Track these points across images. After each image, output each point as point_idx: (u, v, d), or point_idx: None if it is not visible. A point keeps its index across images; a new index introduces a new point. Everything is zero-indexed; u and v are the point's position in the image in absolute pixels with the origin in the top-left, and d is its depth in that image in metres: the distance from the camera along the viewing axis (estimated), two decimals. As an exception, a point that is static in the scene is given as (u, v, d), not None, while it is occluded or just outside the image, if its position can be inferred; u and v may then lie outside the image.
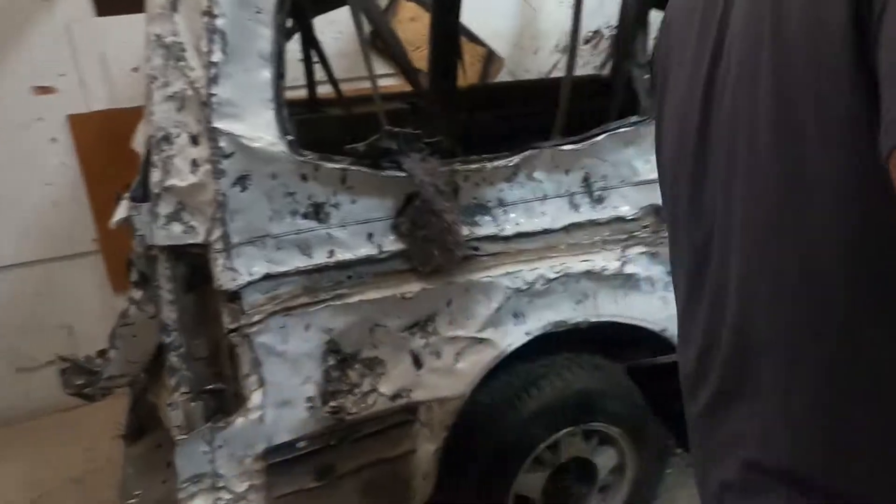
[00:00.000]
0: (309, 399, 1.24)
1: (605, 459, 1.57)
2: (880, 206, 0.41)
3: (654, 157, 1.55)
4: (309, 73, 2.42)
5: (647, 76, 1.46)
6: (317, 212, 1.22)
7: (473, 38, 3.24)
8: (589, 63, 3.54)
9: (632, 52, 1.47)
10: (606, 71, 3.47)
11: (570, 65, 1.47)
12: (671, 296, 1.51)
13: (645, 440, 1.57)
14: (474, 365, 1.33)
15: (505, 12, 3.36)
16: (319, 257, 1.23)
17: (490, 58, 3.31)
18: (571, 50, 1.46)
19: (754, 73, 0.49)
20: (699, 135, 0.59)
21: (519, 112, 2.84)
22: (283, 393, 1.21)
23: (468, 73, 3.08)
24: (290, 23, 2.33)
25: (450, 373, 1.32)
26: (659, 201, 1.49)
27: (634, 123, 1.44)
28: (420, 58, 2.99)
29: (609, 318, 1.44)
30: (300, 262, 1.21)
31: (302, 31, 2.34)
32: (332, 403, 1.26)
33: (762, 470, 0.55)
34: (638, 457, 1.58)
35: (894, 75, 0.37)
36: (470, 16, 3.05)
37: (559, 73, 3.36)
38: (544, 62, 3.36)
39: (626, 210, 1.45)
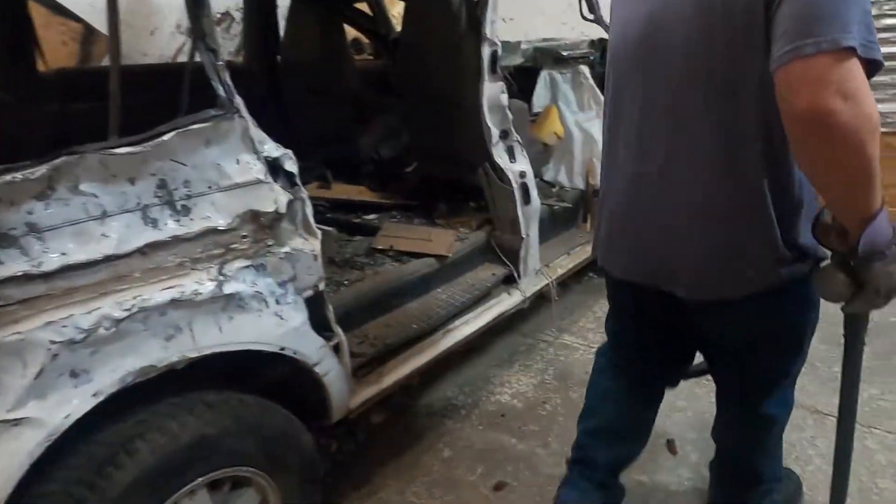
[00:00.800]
0: None
1: (244, 503, 1.36)
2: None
3: (245, 156, 1.36)
4: None
5: (220, 62, 1.25)
6: None
7: (62, 12, 2.61)
8: (223, 48, 3.23)
9: (201, 33, 1.24)
10: (240, 57, 3.21)
11: (114, 53, 1.17)
12: (288, 310, 1.37)
13: (285, 467, 1.42)
14: (10, 457, 0.96)
15: (104, -18, 2.80)
16: None
17: (90, 36, 2.72)
18: (113, 35, 1.17)
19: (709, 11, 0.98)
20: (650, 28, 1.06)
21: (136, 101, 2.39)
22: None
23: (60, 54, 2.48)
24: None
25: (-32, 478, 0.93)
26: (256, 206, 1.32)
27: (213, 118, 1.22)
28: (-24, 32, 2.28)
29: (213, 349, 1.22)
30: None
31: None
32: None
33: None
34: (281, 486, 1.42)
35: (777, 38, 0.88)
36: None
37: (185, 56, 2.97)
38: (166, 44, 2.92)
39: (219, 220, 1.24)
